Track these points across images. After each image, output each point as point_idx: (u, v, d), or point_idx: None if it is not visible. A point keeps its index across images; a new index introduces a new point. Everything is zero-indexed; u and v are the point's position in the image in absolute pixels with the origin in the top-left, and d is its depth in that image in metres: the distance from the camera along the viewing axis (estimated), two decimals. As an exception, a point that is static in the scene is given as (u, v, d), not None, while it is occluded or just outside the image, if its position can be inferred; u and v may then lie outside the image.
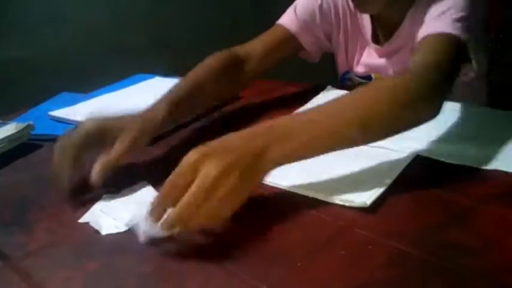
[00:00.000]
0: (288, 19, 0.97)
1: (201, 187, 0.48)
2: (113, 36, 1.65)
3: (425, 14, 0.76)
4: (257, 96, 0.99)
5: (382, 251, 0.48)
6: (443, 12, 0.72)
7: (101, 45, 1.62)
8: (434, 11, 0.75)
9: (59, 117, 0.89)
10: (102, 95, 1.01)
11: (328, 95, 0.92)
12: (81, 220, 0.57)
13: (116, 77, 1.13)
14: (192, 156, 0.51)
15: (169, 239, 0.49)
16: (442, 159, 0.63)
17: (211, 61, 0.89)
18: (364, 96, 0.61)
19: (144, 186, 0.62)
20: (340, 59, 1.03)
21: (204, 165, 0.50)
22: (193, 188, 0.49)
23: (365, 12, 0.91)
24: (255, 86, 1.03)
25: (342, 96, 0.63)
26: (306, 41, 0.98)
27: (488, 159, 0.62)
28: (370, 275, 0.45)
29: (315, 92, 0.94)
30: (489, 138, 0.67)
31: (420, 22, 0.76)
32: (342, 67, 1.04)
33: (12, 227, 0.58)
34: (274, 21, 0.99)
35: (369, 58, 0.97)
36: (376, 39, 0.95)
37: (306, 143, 0.56)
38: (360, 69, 0.99)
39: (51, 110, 0.91)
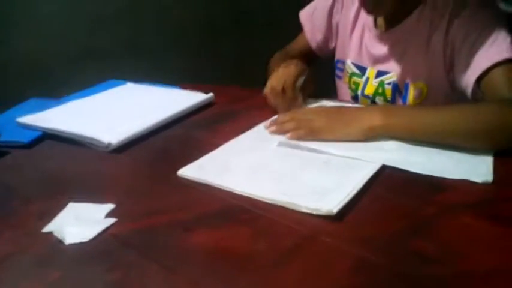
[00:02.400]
0: (306, 19, 1.11)
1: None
2: (85, 41, 1.62)
3: (448, 30, 0.83)
4: (230, 104, 0.99)
5: (347, 259, 0.48)
6: (494, 41, 0.77)
7: (72, 50, 1.59)
8: (473, 37, 0.79)
9: (27, 124, 0.87)
10: (72, 101, 0.99)
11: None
12: (45, 229, 0.56)
13: (87, 83, 1.11)
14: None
15: (131, 246, 0.49)
16: (407, 168, 0.64)
17: (278, 54, 1.13)
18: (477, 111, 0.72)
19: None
20: (337, 47, 1.08)
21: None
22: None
23: (375, 15, 0.95)
24: (228, 93, 1.03)
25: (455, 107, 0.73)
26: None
27: (455, 169, 0.63)
28: (336, 283, 0.45)
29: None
30: (456, 150, 0.68)
31: (432, 22, 0.85)
32: (337, 55, 1.08)
33: (-26, 236, 0.56)
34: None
35: (369, 45, 0.98)
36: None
37: (406, 124, 0.71)
38: (358, 57, 1.01)
39: (19, 117, 0.89)
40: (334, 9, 1.05)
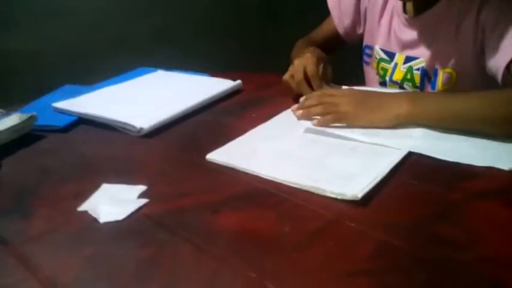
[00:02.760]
0: (334, 4, 1.11)
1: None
2: (117, 30, 1.66)
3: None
4: (257, 90, 1.00)
5: (370, 243, 0.49)
6: None
7: (104, 39, 1.63)
8: (504, 23, 0.78)
9: (62, 109, 0.91)
10: (104, 87, 1.02)
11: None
12: (80, 208, 0.58)
13: (119, 71, 1.14)
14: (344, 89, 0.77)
15: (163, 225, 0.51)
16: (434, 155, 0.64)
17: (301, 41, 1.13)
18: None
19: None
20: (366, 32, 1.07)
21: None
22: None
23: (406, 0, 0.94)
24: (255, 80, 1.04)
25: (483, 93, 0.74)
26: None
27: (482, 156, 0.63)
28: (358, 266, 0.46)
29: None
30: (483, 137, 0.68)
31: (461, 9, 0.85)
32: (365, 41, 1.08)
33: (13, 214, 0.59)
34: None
35: (398, 31, 0.98)
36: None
37: (433, 112, 0.71)
38: (387, 42, 1.01)
39: (55, 102, 0.93)
40: None
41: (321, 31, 1.16)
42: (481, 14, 0.82)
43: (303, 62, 0.90)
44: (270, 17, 1.93)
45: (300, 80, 0.88)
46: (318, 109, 0.78)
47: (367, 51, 1.07)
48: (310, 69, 0.88)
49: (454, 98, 0.75)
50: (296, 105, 0.83)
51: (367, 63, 1.08)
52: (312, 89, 0.88)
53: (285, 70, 0.97)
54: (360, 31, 1.09)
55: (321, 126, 0.75)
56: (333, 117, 0.75)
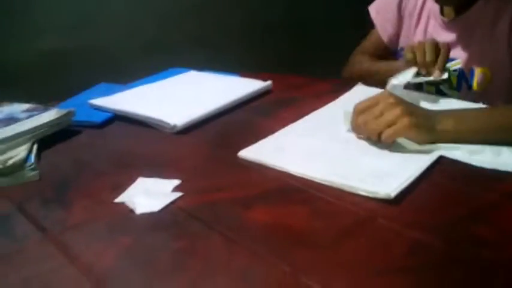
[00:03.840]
0: (374, 12, 1.13)
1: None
2: (151, 32, 1.71)
3: None
4: (287, 91, 1.01)
5: (403, 241, 0.49)
6: None
7: (139, 41, 1.68)
8: None
9: (98, 106, 0.93)
10: (139, 86, 1.05)
11: (358, 92, 0.93)
12: (117, 200, 0.60)
13: (153, 71, 1.16)
14: (387, 97, 0.69)
15: (196, 218, 0.52)
16: (470, 162, 0.63)
17: (361, 56, 1.15)
18: None
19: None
20: (402, 34, 1.08)
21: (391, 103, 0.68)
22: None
23: (445, 5, 0.94)
24: (285, 81, 1.05)
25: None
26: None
27: None
28: (391, 264, 0.46)
29: (345, 88, 0.95)
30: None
31: (497, 9, 0.85)
32: (401, 43, 1.09)
33: (53, 203, 0.62)
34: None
35: (435, 33, 0.98)
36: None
37: (475, 128, 0.68)
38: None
39: (91, 99, 0.95)
40: (404, 1, 1.06)
41: (369, 42, 1.17)
42: None
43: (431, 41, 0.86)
44: (297, 24, 1.95)
45: (431, 60, 0.85)
46: (374, 125, 0.69)
47: (403, 53, 1.07)
48: (431, 42, 0.85)
49: (494, 112, 0.73)
50: (343, 118, 0.76)
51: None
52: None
53: (313, 73, 0.98)
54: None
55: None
56: (393, 134, 0.67)
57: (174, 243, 0.51)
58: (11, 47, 1.45)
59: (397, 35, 1.09)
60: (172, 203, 0.58)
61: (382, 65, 1.06)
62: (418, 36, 1.01)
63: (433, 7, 0.98)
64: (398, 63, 0.94)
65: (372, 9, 1.13)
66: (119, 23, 1.62)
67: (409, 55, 0.87)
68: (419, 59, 0.86)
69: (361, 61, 1.14)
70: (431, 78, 0.85)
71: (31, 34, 1.47)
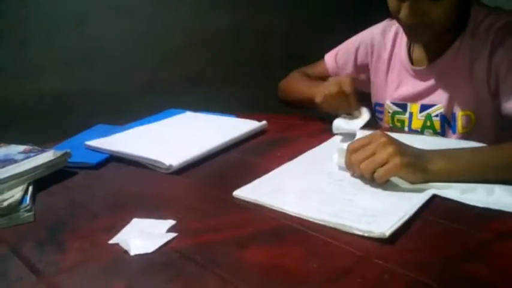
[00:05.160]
0: (330, 58, 1.17)
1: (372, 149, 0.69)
2: (147, 75, 1.74)
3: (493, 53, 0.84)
4: (282, 131, 1.02)
5: (399, 281, 0.49)
6: None
7: (135, 83, 1.70)
8: None
9: (94, 147, 0.94)
10: (135, 127, 1.06)
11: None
12: (112, 241, 0.60)
13: (149, 112, 1.18)
14: (380, 136, 0.70)
15: (191, 259, 0.52)
16: (463, 201, 0.63)
17: (299, 73, 1.19)
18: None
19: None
20: (373, 91, 1.11)
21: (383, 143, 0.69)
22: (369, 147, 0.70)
23: (417, 42, 0.97)
24: (280, 121, 1.07)
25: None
26: None
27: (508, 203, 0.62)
28: (387, 304, 0.46)
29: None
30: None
31: (472, 52, 0.87)
32: (373, 99, 1.11)
33: (47, 245, 0.61)
34: (304, 61, 1.10)
35: (409, 84, 1.00)
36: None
37: (467, 168, 0.68)
38: (398, 97, 1.02)
39: (88, 140, 0.96)
40: (360, 52, 1.11)
41: (315, 71, 1.21)
42: (494, 56, 0.84)
43: (339, 79, 0.93)
44: (293, 61, 1.99)
45: (335, 91, 0.91)
46: (367, 164, 0.69)
47: (378, 108, 1.09)
48: (348, 85, 0.91)
49: (485, 151, 0.74)
50: (337, 156, 0.77)
51: (381, 119, 1.10)
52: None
53: (307, 113, 0.99)
54: (359, 87, 1.12)
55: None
56: (385, 173, 0.68)
57: (168, 285, 0.51)
58: (8, 87, 1.46)
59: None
60: (167, 244, 0.58)
61: (303, 87, 1.10)
62: (391, 88, 1.04)
63: (401, 58, 1.01)
64: (319, 88, 0.97)
65: (327, 56, 1.19)
66: (116, 64, 1.65)
67: (325, 106, 0.94)
68: (332, 107, 0.93)
69: (295, 76, 1.19)
70: (359, 121, 0.91)
71: (28, 74, 1.49)
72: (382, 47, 1.06)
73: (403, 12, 0.84)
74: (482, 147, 0.77)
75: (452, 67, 0.91)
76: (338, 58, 1.15)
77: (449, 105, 0.92)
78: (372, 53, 1.08)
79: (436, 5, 0.82)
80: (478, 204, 0.62)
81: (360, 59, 1.12)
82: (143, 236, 0.60)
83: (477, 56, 0.86)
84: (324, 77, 1.14)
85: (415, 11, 0.83)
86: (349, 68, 1.13)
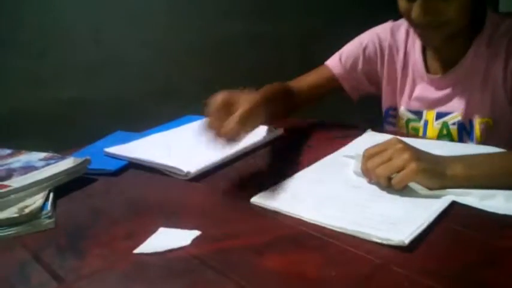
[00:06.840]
0: (333, 62, 1.10)
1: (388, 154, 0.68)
2: (165, 82, 1.76)
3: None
4: (299, 136, 1.02)
5: (418, 289, 0.49)
6: None
7: (153, 90, 1.73)
8: None
9: (113, 154, 0.95)
10: (153, 134, 1.07)
11: (369, 137, 0.94)
12: (137, 251, 0.60)
13: (167, 118, 1.19)
14: (396, 142, 0.69)
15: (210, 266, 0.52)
16: (482, 208, 0.63)
17: (273, 85, 1.05)
18: None
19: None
20: (385, 95, 1.08)
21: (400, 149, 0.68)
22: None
23: (430, 44, 0.95)
24: (297, 127, 1.07)
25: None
26: (346, 85, 1.09)
27: None
28: (406, 312, 0.46)
29: (356, 133, 0.97)
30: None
31: (488, 59, 0.85)
32: (386, 103, 1.08)
33: (68, 252, 0.62)
34: (316, 62, 1.09)
35: (424, 92, 0.99)
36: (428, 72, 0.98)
37: (485, 173, 0.67)
38: (413, 104, 1.01)
39: (107, 147, 0.98)
40: (368, 51, 1.07)
41: (309, 77, 1.13)
42: (510, 62, 0.82)
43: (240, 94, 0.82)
44: (308, 68, 2.00)
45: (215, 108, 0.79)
46: (383, 170, 0.69)
47: (391, 112, 1.08)
48: (244, 107, 0.78)
49: (504, 156, 0.73)
50: (354, 162, 0.77)
51: (392, 124, 1.08)
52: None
53: (325, 117, 0.99)
54: (368, 90, 1.11)
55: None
56: (402, 179, 0.67)
57: (188, 292, 0.51)
58: (28, 95, 1.49)
59: (357, 86, 1.11)
60: (186, 250, 0.59)
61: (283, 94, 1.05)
62: (406, 94, 1.02)
63: (416, 66, 0.99)
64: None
65: (329, 63, 1.12)
66: (133, 71, 1.68)
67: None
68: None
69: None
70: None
71: (48, 83, 1.52)
72: (393, 49, 1.04)
73: (414, 12, 0.83)
74: (500, 152, 0.76)
75: (468, 74, 0.90)
76: (344, 61, 1.10)
77: (467, 113, 0.91)
78: (382, 51, 1.06)
79: (447, 3, 0.81)
80: (498, 211, 0.61)
81: (368, 58, 1.08)
82: (165, 243, 0.60)
83: (493, 62, 0.86)
84: (324, 85, 1.11)
85: (426, 9, 0.82)
86: (359, 70, 1.09)
